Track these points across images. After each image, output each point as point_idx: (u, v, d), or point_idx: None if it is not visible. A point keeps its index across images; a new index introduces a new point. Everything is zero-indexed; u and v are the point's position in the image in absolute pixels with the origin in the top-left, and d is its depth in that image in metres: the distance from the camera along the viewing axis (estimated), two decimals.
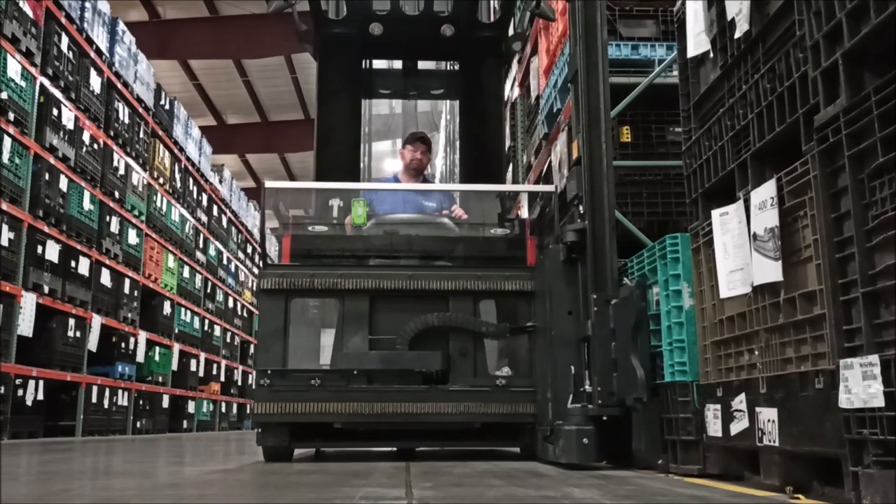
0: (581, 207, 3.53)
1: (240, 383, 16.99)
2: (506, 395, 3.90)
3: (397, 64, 5.85)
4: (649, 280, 3.17)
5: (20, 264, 7.27)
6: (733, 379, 2.56)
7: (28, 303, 7.33)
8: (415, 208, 4.84)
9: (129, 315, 10.30)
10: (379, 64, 5.96)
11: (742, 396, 2.48)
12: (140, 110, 10.75)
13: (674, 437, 2.92)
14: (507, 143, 7.01)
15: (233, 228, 16.96)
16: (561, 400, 3.41)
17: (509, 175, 7.39)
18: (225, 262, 15.99)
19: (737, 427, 2.51)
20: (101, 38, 9.26)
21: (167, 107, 12.19)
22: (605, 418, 3.23)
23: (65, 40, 8.25)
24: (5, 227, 6.95)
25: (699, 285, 2.85)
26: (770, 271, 2.27)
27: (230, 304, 16.37)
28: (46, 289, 7.79)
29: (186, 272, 13.14)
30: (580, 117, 3.57)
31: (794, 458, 2.22)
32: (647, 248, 3.28)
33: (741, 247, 2.47)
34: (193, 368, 13.27)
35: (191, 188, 13.50)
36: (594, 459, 3.22)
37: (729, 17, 2.61)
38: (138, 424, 10.50)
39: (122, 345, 10.07)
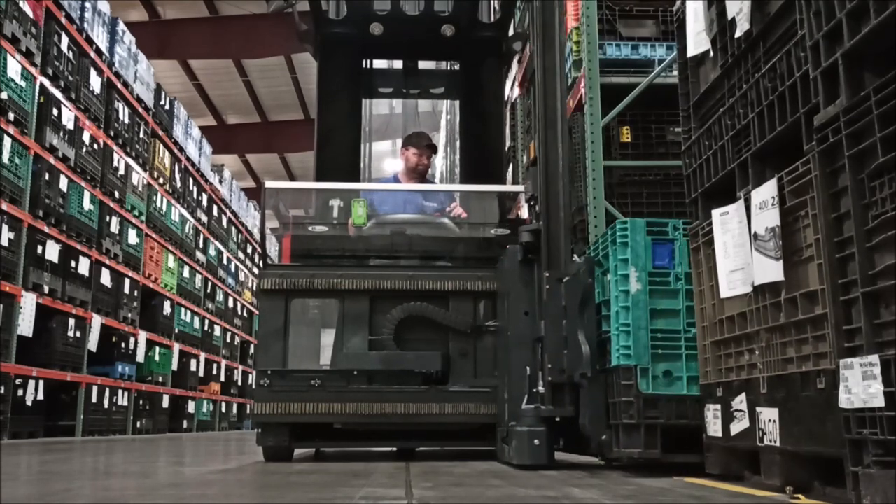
0: (537, 208, 3.54)
1: (240, 383, 16.99)
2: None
3: (397, 64, 5.85)
4: (605, 266, 3.20)
5: (20, 264, 7.27)
6: (733, 379, 2.56)
7: (28, 303, 7.32)
8: (415, 208, 4.85)
9: (129, 315, 10.30)
10: (379, 64, 5.96)
11: (742, 396, 2.48)
12: (140, 110, 10.75)
13: (617, 421, 2.93)
14: (507, 143, 7.01)
15: (233, 228, 16.96)
16: (516, 400, 3.40)
17: (509, 175, 7.38)
18: (225, 262, 15.99)
19: (737, 427, 2.51)
20: (101, 38, 9.26)
21: (167, 107, 12.19)
22: (557, 419, 3.24)
23: (65, 40, 8.25)
24: (5, 227, 6.95)
25: (699, 285, 2.85)
26: (771, 271, 2.26)
27: (230, 304, 16.37)
28: (46, 289, 7.79)
29: (186, 272, 13.14)
30: (537, 118, 3.57)
31: (795, 458, 2.22)
32: (602, 234, 3.31)
33: (741, 246, 2.46)
34: (193, 368, 13.27)
35: (191, 188, 13.50)
36: (545, 460, 3.22)
37: (729, 17, 2.61)
38: (138, 424, 10.50)
39: (122, 345, 10.07)
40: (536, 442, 3.21)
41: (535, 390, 3.33)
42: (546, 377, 3.27)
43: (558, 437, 3.36)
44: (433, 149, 5.23)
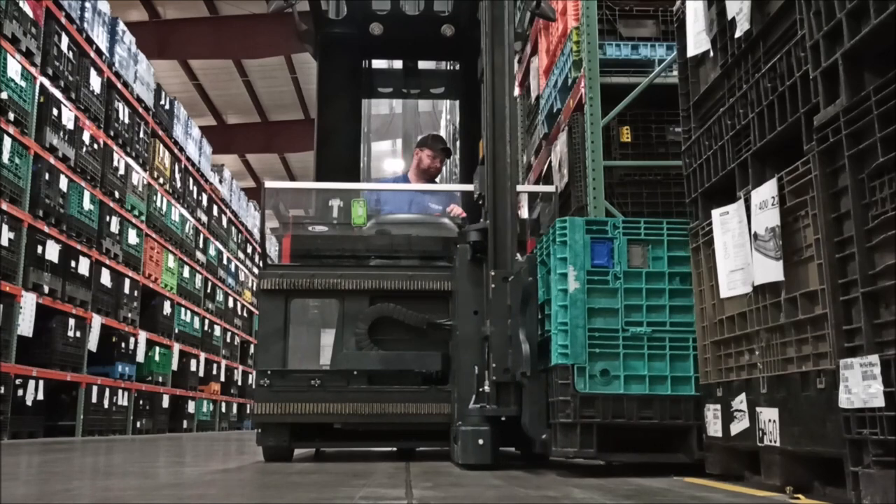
0: (484, 207, 3.52)
1: (240, 383, 16.99)
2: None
3: (397, 64, 5.85)
4: (549, 265, 3.19)
5: (20, 264, 7.27)
6: (733, 379, 2.56)
7: (28, 303, 7.32)
8: (416, 208, 4.85)
9: (129, 315, 10.30)
10: (379, 64, 5.96)
11: (742, 396, 2.48)
12: (140, 110, 10.75)
13: (555, 420, 2.93)
14: None
15: (233, 228, 16.96)
16: (465, 400, 3.39)
17: None
18: (225, 262, 15.99)
19: (737, 427, 2.51)
20: (101, 38, 9.26)
21: (167, 107, 12.19)
22: (503, 418, 3.22)
23: (65, 40, 8.25)
24: (5, 227, 6.95)
25: (699, 285, 2.85)
26: (771, 271, 2.26)
27: (230, 304, 16.37)
28: (46, 289, 7.79)
29: (186, 272, 13.14)
30: (484, 116, 3.56)
31: (795, 458, 2.22)
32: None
33: (741, 246, 2.46)
34: (193, 368, 13.27)
35: (191, 188, 13.50)
36: (489, 460, 3.21)
37: (729, 17, 2.61)
38: (138, 424, 10.50)
39: (122, 345, 10.07)
40: (481, 441, 3.20)
41: (481, 390, 3.33)
42: (491, 376, 3.26)
43: (506, 436, 3.34)
44: (447, 153, 5.24)
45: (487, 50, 3.58)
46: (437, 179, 5.84)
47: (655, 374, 2.90)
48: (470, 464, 3.23)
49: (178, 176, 12.67)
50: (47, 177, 7.81)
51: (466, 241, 3.55)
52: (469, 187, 5.26)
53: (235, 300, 16.89)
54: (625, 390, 2.88)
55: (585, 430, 2.85)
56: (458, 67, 5.67)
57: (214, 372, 14.78)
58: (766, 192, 2.31)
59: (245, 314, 17.74)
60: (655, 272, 2.97)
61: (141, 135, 10.83)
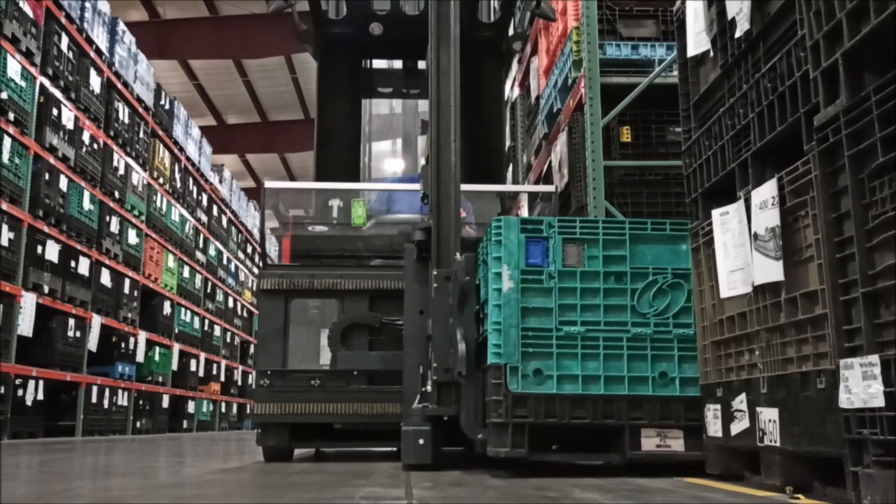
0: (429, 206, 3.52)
1: (240, 383, 17.00)
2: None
3: (397, 64, 5.84)
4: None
5: (20, 264, 7.27)
6: (734, 379, 2.56)
7: (28, 303, 7.32)
8: (417, 209, 4.84)
9: (129, 315, 10.30)
10: (379, 64, 5.96)
11: (742, 396, 2.48)
12: (140, 110, 10.75)
13: (489, 420, 2.92)
14: (507, 143, 7.01)
15: (233, 228, 16.97)
16: (410, 400, 3.38)
17: (509, 175, 7.39)
18: (225, 262, 15.99)
19: (737, 427, 2.51)
20: (101, 38, 9.26)
21: (167, 107, 12.19)
22: (445, 418, 3.21)
23: (65, 40, 8.25)
24: (5, 227, 6.95)
25: (699, 285, 2.85)
26: (771, 271, 2.26)
27: (230, 304, 16.37)
28: (46, 289, 7.79)
29: (186, 272, 13.14)
30: (430, 115, 3.56)
31: (795, 458, 2.22)
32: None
33: (742, 246, 2.46)
34: (193, 368, 13.27)
35: (191, 188, 13.50)
36: (430, 459, 3.20)
37: (729, 17, 2.61)
38: (138, 424, 10.50)
39: (122, 345, 10.07)
40: (421, 441, 3.20)
41: (424, 389, 3.32)
42: (432, 376, 3.25)
43: (449, 436, 3.32)
44: None
45: (433, 49, 3.58)
46: None
47: (589, 373, 2.89)
48: (411, 464, 3.22)
49: (178, 176, 12.67)
50: (47, 177, 7.81)
51: (412, 240, 3.54)
52: (470, 187, 5.27)
53: (235, 300, 16.89)
54: (557, 390, 2.87)
55: (517, 430, 2.84)
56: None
57: (214, 372, 14.78)
58: (766, 192, 2.31)
59: (245, 314, 17.74)
60: (590, 271, 2.97)
61: (141, 135, 10.83)
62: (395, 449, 4.65)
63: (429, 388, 3.29)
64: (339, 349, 3.97)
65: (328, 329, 4.03)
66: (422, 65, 5.71)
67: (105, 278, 9.48)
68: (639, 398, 2.88)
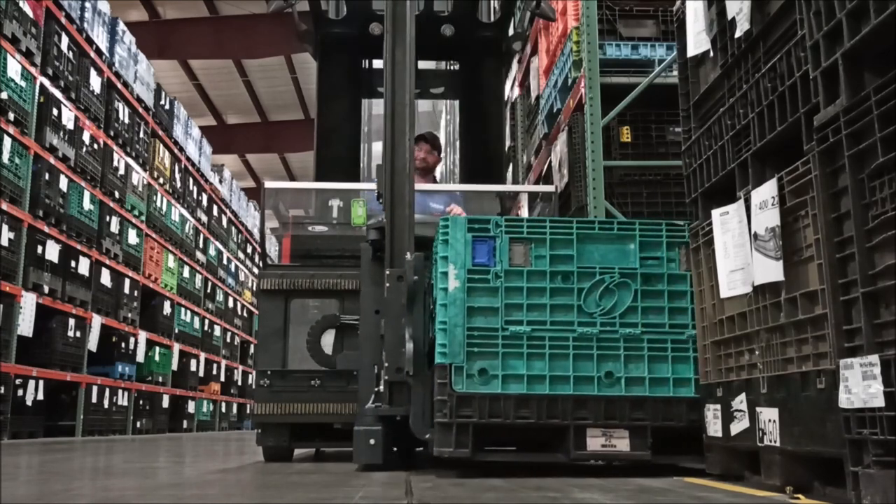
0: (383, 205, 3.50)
1: (240, 383, 17.00)
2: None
3: None
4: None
5: (20, 264, 7.27)
6: (733, 379, 2.56)
7: (28, 303, 7.33)
8: (419, 209, 4.84)
9: (129, 315, 10.30)
10: (379, 64, 5.95)
11: (742, 396, 2.48)
12: (140, 110, 10.76)
13: (435, 419, 2.91)
14: (507, 143, 7.01)
15: (233, 228, 16.97)
16: (364, 400, 3.35)
17: (509, 175, 7.39)
18: (225, 262, 15.99)
19: (737, 427, 2.51)
20: (101, 38, 9.26)
21: (167, 107, 12.19)
22: (398, 417, 3.19)
23: (65, 40, 8.25)
24: (5, 227, 6.95)
25: (699, 285, 2.85)
26: (771, 271, 2.26)
27: (230, 304, 16.37)
28: (46, 289, 7.79)
29: (186, 272, 13.15)
30: (384, 114, 3.55)
31: (795, 458, 2.22)
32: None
33: (742, 246, 2.46)
34: (193, 368, 13.27)
35: (191, 188, 13.50)
36: (380, 459, 3.19)
37: (729, 17, 2.61)
38: (138, 424, 10.51)
39: (122, 345, 10.08)
40: (372, 441, 3.18)
41: (377, 389, 3.30)
42: (384, 376, 3.23)
43: (401, 436, 3.31)
44: (428, 141, 5.17)
45: (388, 48, 3.57)
46: (438, 178, 5.84)
47: (535, 373, 2.88)
48: (363, 464, 3.21)
49: (178, 176, 12.68)
50: (47, 177, 7.81)
51: (366, 239, 3.53)
52: (470, 187, 5.28)
53: (235, 300, 16.89)
54: (503, 390, 2.86)
55: (461, 430, 2.83)
56: (457, 67, 5.67)
57: (214, 372, 14.78)
58: (766, 192, 2.31)
59: (245, 314, 17.75)
60: (537, 271, 2.95)
61: (141, 135, 10.83)
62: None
63: (381, 388, 3.28)
64: (318, 352, 3.96)
65: (307, 334, 4.01)
66: (422, 65, 5.71)
67: (105, 278, 9.48)
68: (584, 398, 2.87)
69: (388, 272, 3.30)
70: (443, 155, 15.45)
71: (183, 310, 12.82)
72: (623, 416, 2.87)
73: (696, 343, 2.89)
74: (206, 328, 14.22)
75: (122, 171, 10.01)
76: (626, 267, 2.97)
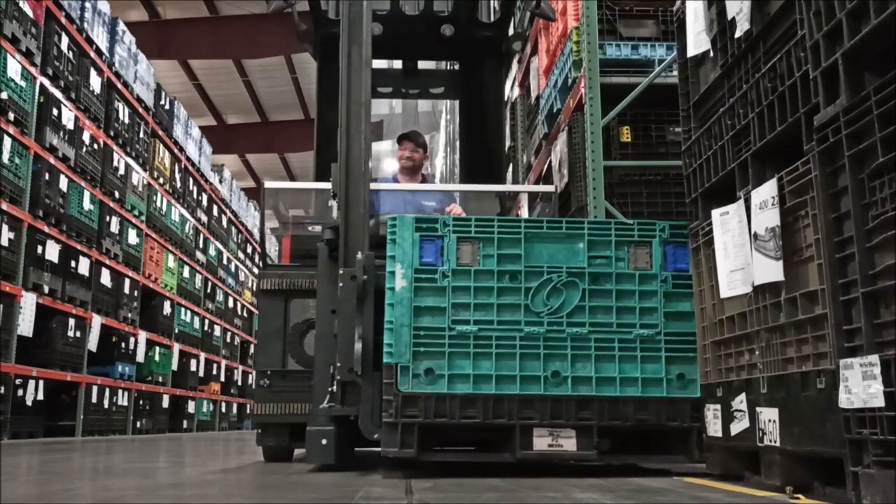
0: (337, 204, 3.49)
1: (240, 383, 17.00)
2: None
3: (397, 63, 5.84)
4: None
5: (20, 264, 7.27)
6: (733, 379, 2.56)
7: (28, 303, 7.32)
8: (415, 209, 4.83)
9: (129, 315, 10.30)
10: (379, 64, 5.95)
11: (742, 396, 2.48)
12: (140, 110, 10.75)
13: (382, 419, 2.91)
14: (507, 143, 7.01)
15: (233, 228, 16.97)
16: (319, 400, 3.33)
17: (509, 175, 7.39)
18: (225, 262, 15.99)
19: (737, 427, 2.51)
20: (101, 38, 9.26)
21: (167, 107, 12.19)
22: (352, 417, 3.17)
23: (65, 40, 8.25)
24: (5, 227, 6.95)
25: (699, 285, 2.85)
26: (771, 271, 2.26)
27: (230, 304, 16.37)
28: (46, 289, 7.79)
29: (186, 272, 13.14)
30: (340, 114, 3.54)
31: (795, 458, 2.22)
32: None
33: (742, 246, 2.46)
34: (193, 368, 13.27)
35: (191, 188, 13.50)
36: (332, 460, 3.17)
37: (729, 17, 2.61)
38: (138, 424, 10.50)
39: (122, 345, 10.07)
40: (324, 441, 3.16)
41: (330, 389, 3.28)
42: (336, 376, 3.22)
43: (357, 436, 3.27)
44: (412, 139, 5.17)
45: (344, 47, 3.57)
46: (437, 178, 5.83)
47: (481, 372, 2.88)
48: (316, 464, 3.19)
49: (178, 176, 12.67)
50: (47, 177, 7.81)
51: (323, 239, 3.52)
52: (470, 187, 5.27)
53: (235, 300, 16.89)
54: (449, 389, 2.85)
55: (407, 430, 2.83)
56: (457, 67, 5.67)
57: (214, 372, 14.78)
58: (766, 192, 2.31)
59: (245, 314, 17.74)
60: (485, 270, 2.95)
61: (141, 135, 10.83)
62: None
63: (334, 387, 3.26)
64: (299, 352, 3.96)
65: (288, 333, 4.00)
66: (422, 65, 5.71)
67: (105, 278, 9.47)
68: (531, 397, 2.87)
69: (341, 272, 3.29)
70: (443, 155, 15.43)
71: (183, 310, 12.82)
72: (569, 416, 2.87)
73: (644, 343, 2.90)
74: (206, 328, 14.21)
75: (122, 171, 10.00)
76: (574, 266, 2.96)
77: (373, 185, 6.03)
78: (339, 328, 3.24)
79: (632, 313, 2.95)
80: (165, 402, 11.72)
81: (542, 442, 2.87)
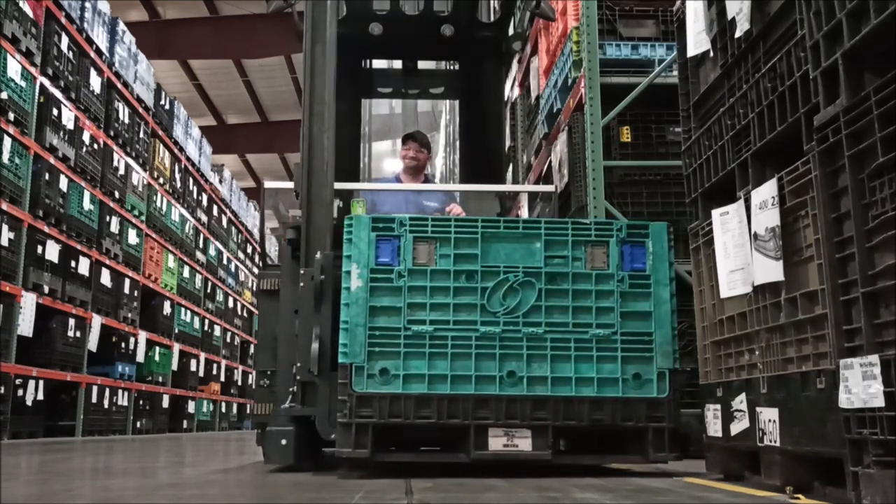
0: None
1: (240, 383, 17.00)
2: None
3: (397, 64, 5.84)
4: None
5: (20, 264, 7.27)
6: (733, 379, 2.56)
7: (28, 303, 7.32)
8: (414, 208, 4.83)
9: (129, 315, 10.30)
10: (379, 64, 5.95)
11: (742, 396, 2.48)
12: (140, 110, 10.75)
13: (337, 420, 2.90)
14: (507, 143, 7.01)
15: (233, 228, 16.97)
16: (282, 400, 3.32)
17: (509, 175, 7.39)
18: (225, 262, 15.99)
19: (737, 427, 2.51)
20: (101, 38, 9.26)
21: (167, 107, 12.19)
22: (313, 417, 3.16)
23: (65, 40, 8.25)
24: (5, 227, 6.95)
25: (699, 285, 2.85)
26: (771, 271, 2.26)
27: (230, 304, 16.37)
28: (46, 289, 7.79)
29: (186, 272, 13.14)
30: (303, 113, 3.53)
31: (795, 458, 2.22)
32: None
33: (742, 246, 2.46)
34: (193, 368, 13.27)
35: (191, 188, 13.50)
36: (292, 460, 3.16)
37: (729, 17, 2.61)
38: (138, 424, 10.50)
39: (122, 345, 10.07)
40: (284, 442, 3.15)
41: (291, 389, 3.28)
42: (296, 376, 3.22)
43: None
44: (417, 139, 5.18)
45: (307, 48, 3.56)
46: (437, 178, 5.83)
47: (437, 372, 2.87)
48: (275, 465, 3.18)
49: (178, 176, 12.67)
50: (47, 177, 7.81)
51: (285, 238, 3.51)
52: (470, 187, 5.27)
53: (235, 300, 16.89)
54: (404, 389, 2.85)
55: (361, 430, 2.83)
56: (457, 67, 5.67)
57: (214, 372, 14.78)
58: (766, 192, 2.31)
59: (245, 314, 17.75)
60: (441, 270, 2.94)
61: (141, 135, 10.83)
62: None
63: (295, 388, 3.25)
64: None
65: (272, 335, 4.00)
66: (422, 65, 5.71)
67: (105, 278, 9.47)
68: (486, 397, 2.86)
69: (302, 272, 3.28)
70: (443, 155, 15.41)
71: (183, 310, 12.82)
72: (525, 416, 2.86)
73: (600, 342, 2.89)
74: (206, 328, 14.21)
75: (122, 171, 10.00)
76: (530, 266, 2.96)
77: (375, 186, 6.06)
78: (299, 328, 3.24)
79: (588, 313, 2.93)
80: (165, 402, 11.72)
81: (497, 442, 2.86)
